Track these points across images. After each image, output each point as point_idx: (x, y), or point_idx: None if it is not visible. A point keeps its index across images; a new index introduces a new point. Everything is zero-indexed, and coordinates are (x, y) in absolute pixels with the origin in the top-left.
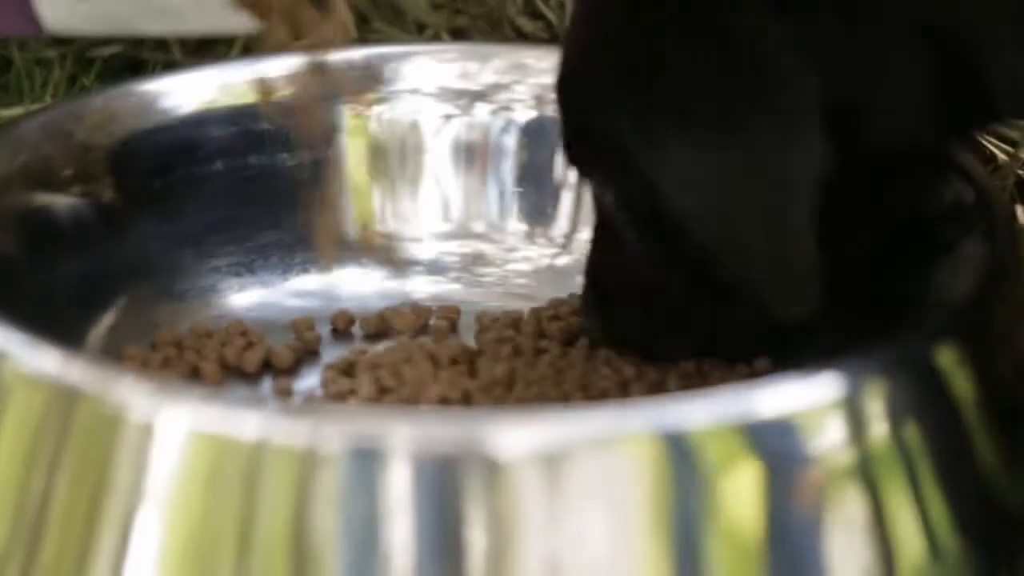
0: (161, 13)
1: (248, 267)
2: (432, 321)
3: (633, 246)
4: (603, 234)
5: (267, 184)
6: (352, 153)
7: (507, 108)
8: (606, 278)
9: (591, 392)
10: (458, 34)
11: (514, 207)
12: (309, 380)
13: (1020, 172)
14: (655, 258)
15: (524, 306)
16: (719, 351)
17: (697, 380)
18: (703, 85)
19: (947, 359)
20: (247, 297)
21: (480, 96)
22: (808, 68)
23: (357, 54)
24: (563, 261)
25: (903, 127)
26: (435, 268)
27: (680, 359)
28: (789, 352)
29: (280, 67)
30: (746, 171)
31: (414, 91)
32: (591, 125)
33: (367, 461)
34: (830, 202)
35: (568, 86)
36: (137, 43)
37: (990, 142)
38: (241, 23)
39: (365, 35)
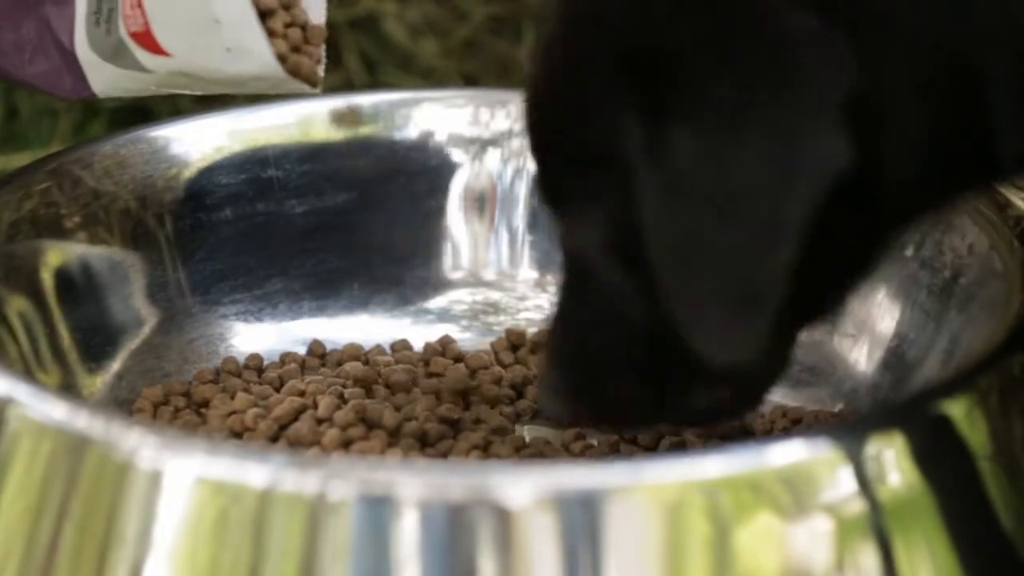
0: (219, 84)
1: (256, 315)
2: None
3: (613, 295)
4: (572, 296)
5: (275, 231)
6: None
7: (518, 155)
8: (574, 348)
9: None
10: (468, 80)
11: (525, 255)
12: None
13: None
14: (639, 303)
15: None
16: (686, 417)
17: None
18: (722, 75)
19: (960, 411)
20: (255, 345)
21: (491, 143)
22: (836, 68)
23: (367, 100)
24: None
25: (912, 159)
26: (445, 317)
27: (650, 428)
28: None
29: (290, 113)
30: (754, 170)
31: (425, 138)
32: (578, 139)
33: (377, 510)
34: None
35: (549, 99)
36: None
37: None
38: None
39: (375, 81)
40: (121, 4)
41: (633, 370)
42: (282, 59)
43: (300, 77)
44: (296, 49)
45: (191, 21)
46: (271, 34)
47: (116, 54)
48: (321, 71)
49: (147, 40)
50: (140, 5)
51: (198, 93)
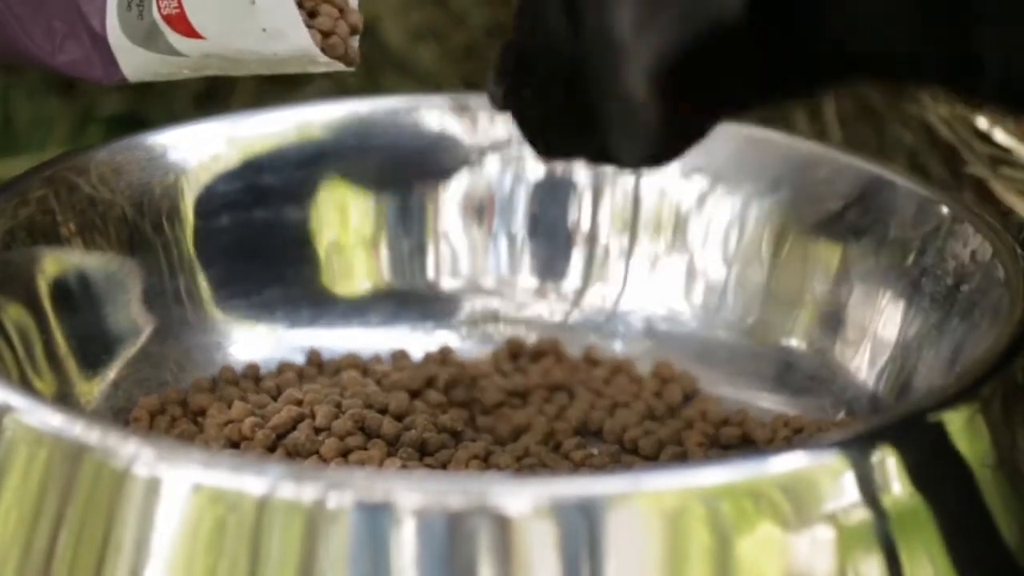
0: (252, 65)
1: (253, 322)
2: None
3: (552, 24)
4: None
5: (273, 238)
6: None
7: (517, 161)
8: (519, 53)
9: None
10: (468, 85)
11: (524, 262)
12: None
13: None
14: (566, 42)
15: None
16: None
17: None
18: None
19: (963, 420)
20: (253, 353)
21: (490, 149)
22: None
23: (363, 106)
24: (574, 318)
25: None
26: (444, 325)
27: (570, 157)
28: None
29: (288, 118)
30: None
31: (423, 143)
32: None
33: (375, 519)
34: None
35: None
36: (141, 99)
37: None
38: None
39: (372, 86)
40: None
41: (557, 95)
42: (324, 35)
43: (336, 56)
44: (331, 33)
45: (226, 2)
46: (311, 15)
47: (148, 38)
48: (355, 46)
49: (181, 23)
50: None
51: (230, 74)
